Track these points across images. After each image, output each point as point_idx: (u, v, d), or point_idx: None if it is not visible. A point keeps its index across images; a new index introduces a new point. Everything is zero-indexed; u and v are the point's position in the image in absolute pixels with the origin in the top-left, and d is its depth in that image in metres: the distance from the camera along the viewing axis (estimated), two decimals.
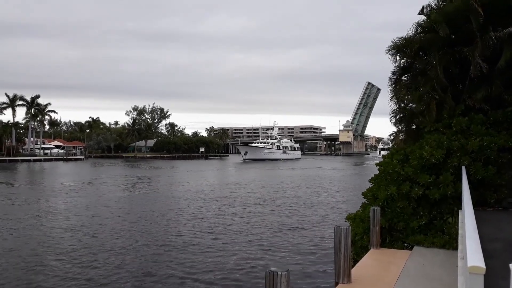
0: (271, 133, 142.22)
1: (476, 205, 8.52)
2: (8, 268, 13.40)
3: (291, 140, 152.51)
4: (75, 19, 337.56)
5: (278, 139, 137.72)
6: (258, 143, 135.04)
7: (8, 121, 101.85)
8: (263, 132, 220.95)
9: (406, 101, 14.93)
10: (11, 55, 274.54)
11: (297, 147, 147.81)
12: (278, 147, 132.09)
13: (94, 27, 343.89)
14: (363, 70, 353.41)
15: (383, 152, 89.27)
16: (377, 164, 12.09)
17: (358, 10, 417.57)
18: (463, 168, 9.76)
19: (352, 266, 8.17)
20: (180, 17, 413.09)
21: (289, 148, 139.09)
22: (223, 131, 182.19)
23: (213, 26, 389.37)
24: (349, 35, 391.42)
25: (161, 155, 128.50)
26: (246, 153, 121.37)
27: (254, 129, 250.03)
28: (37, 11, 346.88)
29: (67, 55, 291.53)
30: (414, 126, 14.39)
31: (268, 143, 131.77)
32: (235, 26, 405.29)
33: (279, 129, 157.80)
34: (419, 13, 13.44)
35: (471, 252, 3.23)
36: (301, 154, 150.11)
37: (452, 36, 12.65)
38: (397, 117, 15.21)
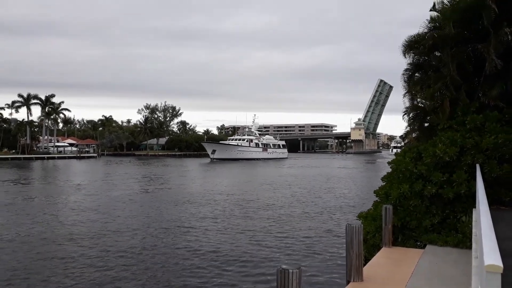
0: (250, 128, 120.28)
1: (490, 204, 8.33)
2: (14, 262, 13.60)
3: (276, 138, 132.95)
4: (100, 17, 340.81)
5: (257, 135, 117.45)
6: (231, 139, 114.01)
7: (23, 119, 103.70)
8: (274, 130, 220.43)
9: (419, 99, 14.74)
10: (31, 54, 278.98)
11: (282, 145, 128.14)
12: (257, 144, 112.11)
13: (118, 25, 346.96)
14: (378, 67, 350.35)
15: (395, 150, 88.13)
16: (389, 163, 11.97)
17: (382, 6, 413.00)
18: (477, 166, 9.59)
19: (364, 265, 8.10)
20: (204, 15, 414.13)
21: (272, 146, 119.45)
22: (234, 129, 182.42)
23: (238, 23, 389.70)
24: (367, 33, 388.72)
25: (173, 153, 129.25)
26: (213, 151, 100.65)
27: (265, 127, 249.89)
28: (62, 9, 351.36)
29: (86, 54, 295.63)
30: (427, 124, 14.22)
31: (243, 139, 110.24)
32: (259, 23, 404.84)
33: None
34: (430, 10, 13.25)
35: (488, 250, 3.15)
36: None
37: (466, 33, 12.45)
38: (410, 115, 15.03)
